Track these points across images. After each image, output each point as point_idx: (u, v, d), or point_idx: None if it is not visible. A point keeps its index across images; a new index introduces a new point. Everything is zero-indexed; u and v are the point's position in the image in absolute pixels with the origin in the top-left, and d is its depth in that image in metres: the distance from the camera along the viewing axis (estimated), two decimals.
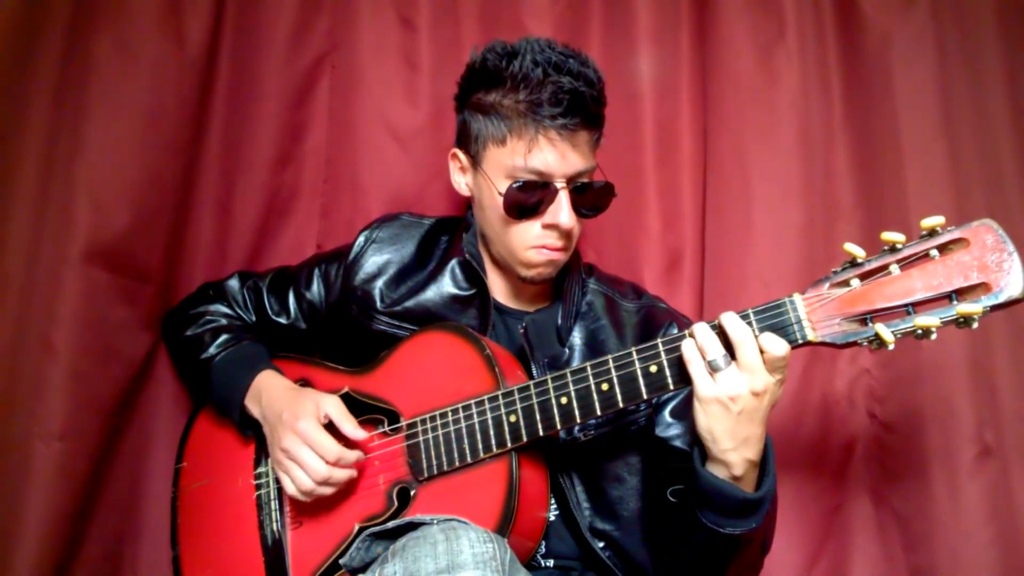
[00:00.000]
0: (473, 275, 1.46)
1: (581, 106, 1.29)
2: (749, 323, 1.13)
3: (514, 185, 1.31)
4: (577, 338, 1.45)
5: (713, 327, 1.14)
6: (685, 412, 1.41)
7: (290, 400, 1.37)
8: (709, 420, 1.12)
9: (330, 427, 1.32)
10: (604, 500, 1.38)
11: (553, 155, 1.29)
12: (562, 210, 1.32)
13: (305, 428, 1.30)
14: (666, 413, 1.41)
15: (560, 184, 1.32)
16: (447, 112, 1.50)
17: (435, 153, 1.78)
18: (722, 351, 1.12)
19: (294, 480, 1.30)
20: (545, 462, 1.31)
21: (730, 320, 1.12)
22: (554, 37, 1.54)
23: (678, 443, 1.39)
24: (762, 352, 1.10)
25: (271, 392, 1.41)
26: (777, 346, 1.10)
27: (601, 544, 1.36)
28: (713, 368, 1.11)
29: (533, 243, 1.36)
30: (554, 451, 1.35)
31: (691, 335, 1.15)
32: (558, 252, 1.37)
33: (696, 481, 1.16)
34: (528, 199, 1.32)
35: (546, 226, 1.34)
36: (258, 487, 1.45)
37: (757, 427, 1.13)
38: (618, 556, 1.37)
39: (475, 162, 1.39)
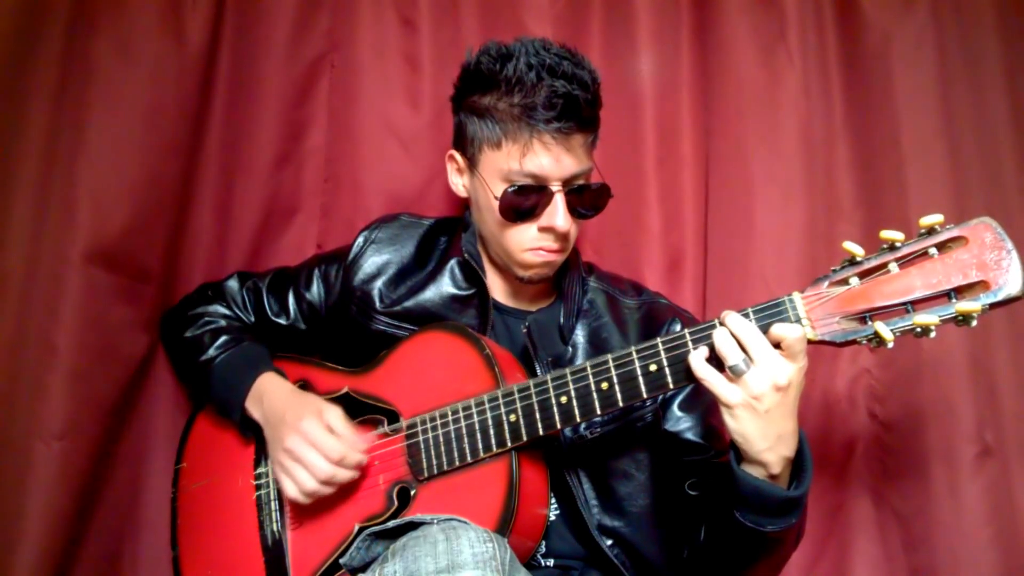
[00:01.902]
0: (472, 275, 1.46)
1: (575, 110, 1.28)
2: (750, 322, 1.13)
3: (509, 189, 1.31)
4: (580, 337, 1.45)
5: (712, 327, 1.14)
6: (694, 405, 1.41)
7: (293, 403, 1.37)
8: (740, 424, 1.11)
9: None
10: (612, 497, 1.38)
11: (548, 159, 1.29)
12: (558, 213, 1.32)
13: (309, 428, 1.30)
14: (675, 407, 1.42)
15: (555, 187, 1.32)
16: (447, 112, 1.49)
17: (435, 153, 1.78)
18: (742, 355, 1.11)
19: (296, 480, 1.30)
20: (545, 461, 1.31)
21: (736, 322, 1.12)
22: (554, 37, 1.55)
23: (690, 435, 1.39)
24: (779, 344, 1.10)
25: (273, 395, 1.41)
26: (791, 331, 1.09)
27: (609, 542, 1.36)
28: (736, 373, 1.10)
29: (529, 245, 1.36)
30: (560, 449, 1.35)
31: (710, 345, 1.13)
32: (554, 254, 1.37)
33: (734, 483, 1.15)
34: (524, 202, 1.32)
35: (542, 229, 1.34)
36: (258, 487, 1.45)
37: (788, 422, 1.12)
38: (626, 553, 1.37)
39: (471, 164, 1.39)
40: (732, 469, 1.16)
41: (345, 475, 1.30)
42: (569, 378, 1.22)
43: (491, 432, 1.25)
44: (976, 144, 1.71)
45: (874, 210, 1.74)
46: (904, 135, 1.70)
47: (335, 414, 1.33)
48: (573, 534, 1.39)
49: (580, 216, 1.37)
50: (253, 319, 1.60)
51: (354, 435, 1.32)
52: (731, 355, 1.11)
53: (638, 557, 1.37)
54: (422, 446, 1.30)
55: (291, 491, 1.31)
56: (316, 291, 1.56)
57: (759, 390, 1.09)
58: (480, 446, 1.26)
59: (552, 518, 1.36)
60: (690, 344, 1.16)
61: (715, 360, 1.14)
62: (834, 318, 1.10)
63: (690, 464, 1.37)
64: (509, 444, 1.24)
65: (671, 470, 1.40)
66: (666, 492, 1.40)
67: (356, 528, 1.31)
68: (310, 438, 1.29)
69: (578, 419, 1.22)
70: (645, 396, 1.19)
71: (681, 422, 1.41)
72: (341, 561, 1.24)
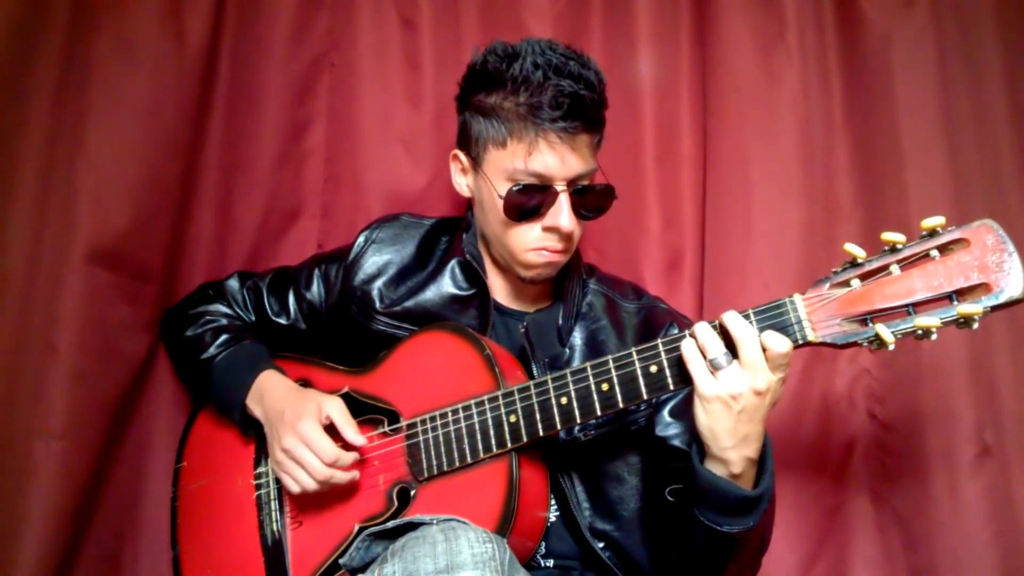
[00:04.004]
0: (473, 275, 1.46)
1: (581, 110, 1.28)
2: (750, 323, 1.13)
3: (514, 188, 1.31)
4: (578, 338, 1.45)
5: (714, 326, 1.15)
6: (684, 411, 1.41)
7: (292, 400, 1.37)
8: (710, 418, 1.13)
9: (331, 428, 1.32)
10: (604, 500, 1.38)
11: (553, 158, 1.29)
12: (562, 213, 1.32)
13: (305, 429, 1.30)
14: (665, 412, 1.41)
15: (560, 187, 1.32)
16: (448, 112, 1.50)
17: (436, 153, 1.78)
18: (723, 349, 1.12)
19: (296, 480, 1.31)
20: (545, 462, 1.31)
21: (732, 319, 1.13)
22: (554, 37, 1.54)
23: (677, 442, 1.39)
24: (764, 350, 1.10)
25: (273, 392, 1.41)
26: (779, 343, 1.10)
27: (601, 544, 1.36)
28: (715, 367, 1.12)
29: (533, 245, 1.36)
30: (554, 451, 1.35)
31: (692, 335, 1.15)
32: (558, 254, 1.37)
33: (694, 479, 1.17)
34: (528, 202, 1.32)
35: (546, 229, 1.34)
36: (258, 487, 1.45)
37: (757, 425, 1.13)
38: (618, 556, 1.37)
39: (476, 163, 1.39)
40: (693, 465, 1.17)
41: (343, 476, 1.31)
42: (569, 379, 1.22)
43: (491, 433, 1.25)
44: (976, 144, 1.71)
45: (873, 210, 1.74)
46: (904, 135, 1.70)
47: (335, 406, 1.33)
48: (570, 535, 1.39)
49: (584, 217, 1.37)
50: (253, 319, 1.60)
51: (354, 430, 1.32)
52: (711, 348, 1.12)
53: (629, 560, 1.38)
54: (422, 446, 1.30)
55: (293, 488, 1.33)
56: (316, 291, 1.56)
57: (738, 389, 1.10)
58: (480, 447, 1.26)
59: (552, 519, 1.36)
60: None
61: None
62: (835, 320, 1.10)
63: (673, 470, 1.36)
64: (509, 445, 1.24)
65: (656, 475, 1.39)
66: (656, 496, 1.40)
67: (356, 528, 1.31)
68: (306, 439, 1.30)
69: (578, 420, 1.22)
70: (645, 397, 1.19)
71: (670, 428, 1.40)
72: (340, 561, 1.24)
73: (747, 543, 1.21)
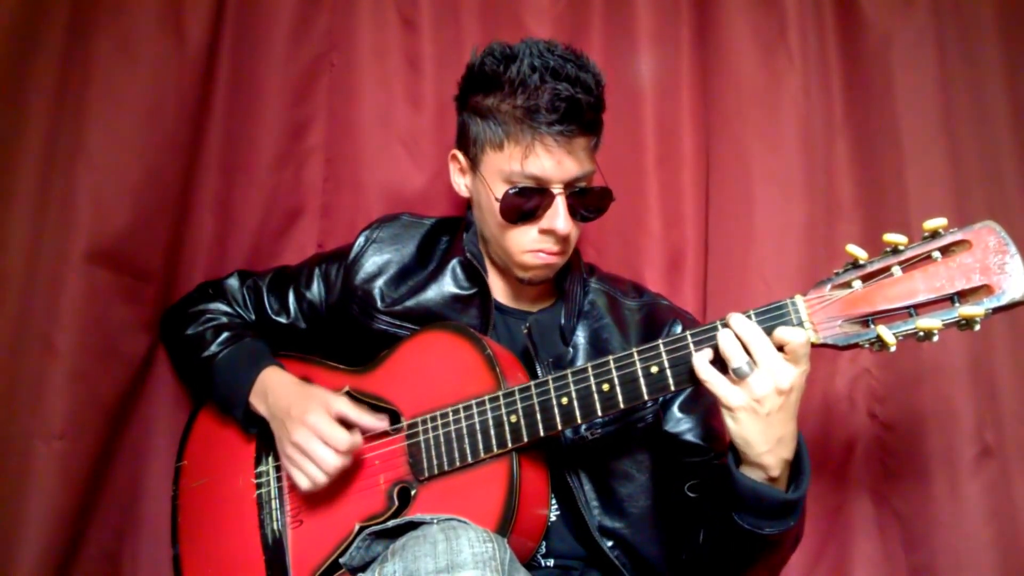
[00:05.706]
0: (474, 275, 1.46)
1: (578, 113, 1.28)
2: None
3: (511, 190, 1.31)
4: (581, 337, 1.45)
5: (715, 329, 1.14)
6: (693, 406, 1.41)
7: (298, 396, 1.37)
8: (740, 427, 1.11)
9: (342, 424, 1.32)
10: (613, 498, 1.38)
11: (550, 162, 1.29)
12: (559, 216, 1.31)
13: (315, 421, 1.30)
14: (675, 408, 1.41)
15: (557, 190, 1.31)
16: (448, 112, 1.49)
17: (436, 153, 1.78)
18: (746, 357, 1.10)
19: (307, 474, 1.31)
20: (546, 462, 1.31)
21: (741, 324, 1.12)
22: (554, 37, 1.54)
23: (690, 437, 1.39)
24: (782, 347, 1.10)
25: (278, 389, 1.41)
26: (795, 335, 1.09)
27: (610, 543, 1.36)
28: (739, 375, 1.10)
29: (529, 247, 1.36)
30: (561, 450, 1.35)
31: (713, 346, 1.13)
32: (555, 256, 1.37)
33: (732, 485, 1.15)
34: (525, 204, 1.32)
35: (543, 231, 1.34)
36: (259, 486, 1.45)
37: (789, 424, 1.12)
38: (627, 555, 1.37)
39: (473, 165, 1.39)
40: (731, 472, 1.16)
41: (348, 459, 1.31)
42: (570, 379, 1.22)
43: (492, 432, 1.25)
44: (976, 144, 1.72)
45: (874, 210, 1.74)
46: (904, 135, 1.70)
47: (343, 401, 1.33)
48: (573, 535, 1.39)
49: (581, 219, 1.37)
50: (253, 317, 1.60)
51: (369, 415, 1.32)
52: (735, 357, 1.10)
53: (638, 558, 1.38)
54: (423, 446, 1.30)
55: (303, 483, 1.32)
56: (316, 290, 1.56)
57: (761, 393, 1.09)
58: (481, 446, 1.26)
59: (552, 519, 1.36)
60: (692, 346, 1.16)
61: (719, 362, 1.13)
62: (836, 321, 1.10)
63: (690, 466, 1.37)
64: (510, 445, 1.24)
65: (671, 471, 1.40)
66: (667, 493, 1.40)
67: (356, 527, 1.31)
68: (317, 431, 1.30)
69: (579, 420, 1.22)
70: (646, 398, 1.19)
71: (681, 423, 1.41)
72: (341, 560, 1.24)
73: (784, 542, 1.20)
